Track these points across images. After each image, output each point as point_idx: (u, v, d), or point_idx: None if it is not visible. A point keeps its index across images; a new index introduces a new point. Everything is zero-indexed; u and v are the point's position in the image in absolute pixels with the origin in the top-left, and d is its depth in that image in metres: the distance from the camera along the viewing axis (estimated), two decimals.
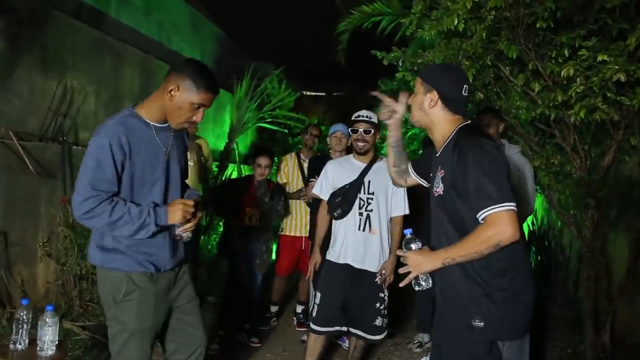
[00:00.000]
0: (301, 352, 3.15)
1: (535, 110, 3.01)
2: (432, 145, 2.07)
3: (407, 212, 3.05)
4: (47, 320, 2.08)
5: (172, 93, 1.95)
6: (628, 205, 3.40)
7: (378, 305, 3.01)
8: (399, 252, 1.96)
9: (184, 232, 2.06)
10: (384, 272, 2.97)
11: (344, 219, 3.01)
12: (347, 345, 3.70)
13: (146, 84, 5.11)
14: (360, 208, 2.99)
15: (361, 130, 2.99)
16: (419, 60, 3.41)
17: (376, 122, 3.00)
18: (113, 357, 2.06)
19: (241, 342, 3.81)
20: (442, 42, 3.25)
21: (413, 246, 1.90)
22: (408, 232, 1.96)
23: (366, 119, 3.01)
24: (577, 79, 2.63)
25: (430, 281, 1.90)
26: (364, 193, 3.00)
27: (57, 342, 2.14)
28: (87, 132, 4.30)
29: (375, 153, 3.13)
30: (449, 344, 1.91)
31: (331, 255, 3.07)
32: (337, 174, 3.09)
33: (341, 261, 3.00)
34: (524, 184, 3.21)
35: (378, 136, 3.09)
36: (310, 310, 3.19)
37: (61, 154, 3.87)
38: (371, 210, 2.98)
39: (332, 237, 3.10)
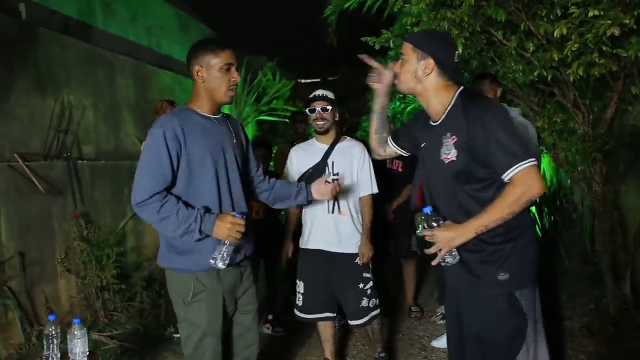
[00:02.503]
0: None
1: (533, 73, 2.99)
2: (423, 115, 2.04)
3: (375, 190, 2.99)
4: (76, 332, 2.12)
5: (200, 74, 2.03)
6: (635, 156, 3.37)
7: (362, 285, 2.92)
8: (423, 232, 1.89)
9: (219, 254, 1.93)
10: (361, 256, 2.91)
11: (311, 204, 2.87)
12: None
13: (142, 91, 5.13)
14: None
15: (318, 108, 2.90)
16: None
17: (332, 98, 2.92)
18: (188, 357, 2.10)
19: (266, 334, 3.87)
20: (431, 13, 3.21)
21: (435, 224, 1.87)
22: (428, 209, 1.89)
23: (322, 96, 2.92)
24: (572, 37, 2.61)
25: (458, 255, 1.87)
26: (329, 175, 2.91)
27: (87, 352, 2.17)
28: (90, 146, 4.34)
29: (338, 132, 3.04)
30: (471, 304, 1.94)
31: (302, 243, 3.02)
32: (300, 158, 3.03)
33: (312, 247, 2.95)
34: (529, 145, 3.21)
35: (337, 113, 2.98)
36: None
37: (67, 170, 3.90)
38: (338, 192, 2.91)
39: (302, 223, 3.05)
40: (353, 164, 2.94)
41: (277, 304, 4.06)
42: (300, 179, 2.98)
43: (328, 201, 2.87)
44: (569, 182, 5.17)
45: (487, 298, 1.87)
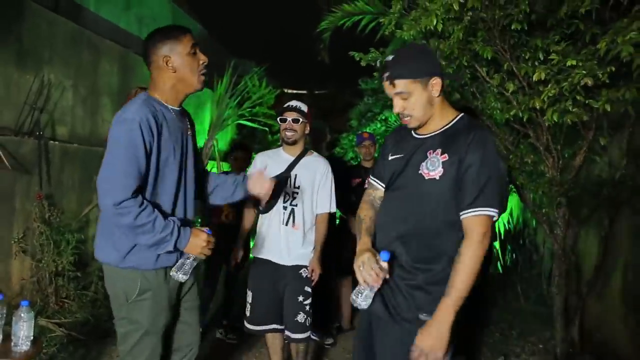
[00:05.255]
0: None
1: (509, 112, 3.07)
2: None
3: (333, 210, 2.99)
4: (22, 315, 2.06)
5: (170, 63, 1.89)
6: (598, 204, 3.48)
7: (302, 298, 2.87)
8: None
9: (182, 267, 1.90)
10: (312, 271, 2.90)
11: (269, 213, 2.91)
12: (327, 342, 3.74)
13: (125, 79, 5.07)
14: (284, 202, 2.89)
15: (289, 119, 2.88)
16: None
17: (305, 111, 2.91)
18: (122, 356, 1.97)
19: (219, 339, 3.82)
20: (420, 42, 3.29)
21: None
22: (385, 256, 1.74)
23: (295, 107, 2.90)
24: (549, 84, 2.70)
25: (370, 300, 1.75)
26: (290, 187, 2.89)
27: (32, 337, 2.12)
28: (65, 127, 4.26)
29: (306, 146, 3.03)
30: (385, 338, 1.84)
31: (255, 251, 2.97)
32: (264, 166, 2.88)
33: (263, 257, 2.92)
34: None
35: (308, 127, 2.97)
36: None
37: (37, 149, 3.81)
38: (295, 205, 2.89)
39: (257, 232, 3.01)
40: (315, 179, 2.93)
41: (232, 311, 4.02)
42: None
43: (284, 213, 2.87)
44: (533, 223, 5.29)
45: (404, 334, 1.74)
